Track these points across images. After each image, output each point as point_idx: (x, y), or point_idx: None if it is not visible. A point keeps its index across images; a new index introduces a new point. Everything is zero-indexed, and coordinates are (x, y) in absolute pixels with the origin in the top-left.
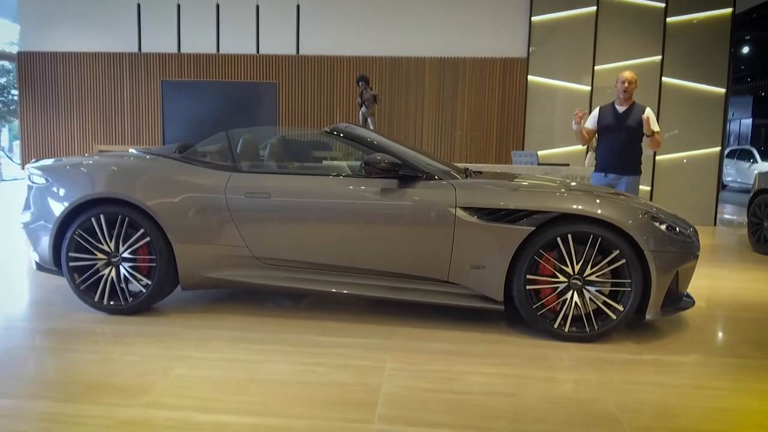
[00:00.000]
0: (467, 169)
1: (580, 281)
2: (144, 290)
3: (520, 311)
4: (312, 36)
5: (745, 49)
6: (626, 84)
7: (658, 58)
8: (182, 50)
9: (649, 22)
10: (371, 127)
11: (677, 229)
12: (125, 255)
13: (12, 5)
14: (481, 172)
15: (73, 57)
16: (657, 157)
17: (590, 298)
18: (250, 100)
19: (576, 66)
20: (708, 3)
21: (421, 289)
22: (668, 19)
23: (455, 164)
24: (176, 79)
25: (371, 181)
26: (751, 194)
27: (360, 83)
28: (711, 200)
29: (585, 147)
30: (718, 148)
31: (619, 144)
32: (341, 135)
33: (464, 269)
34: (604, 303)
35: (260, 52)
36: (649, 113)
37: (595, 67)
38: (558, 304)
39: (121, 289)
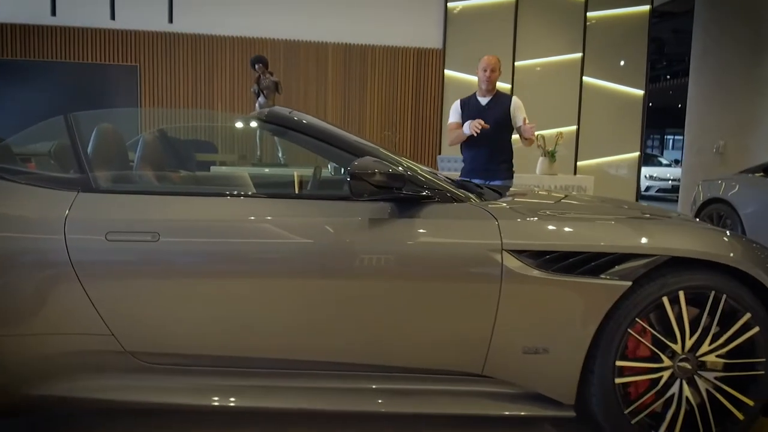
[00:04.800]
0: (474, 183)
1: (689, 364)
2: None
3: (599, 419)
4: (186, 8)
5: None
6: (488, 71)
7: (579, 55)
8: (2, 19)
9: (570, 16)
10: None
11: None
12: None
13: None
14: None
15: None
16: (578, 163)
17: (707, 390)
18: (100, 87)
19: None
20: None
21: (437, 390)
22: (588, 14)
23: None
24: None
25: (349, 207)
26: (698, 205)
27: (256, 66)
28: None
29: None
30: (637, 153)
31: (486, 143)
32: (285, 126)
33: (512, 354)
34: (721, 391)
35: (116, 25)
36: (518, 103)
37: (516, 64)
38: (660, 403)
39: None
